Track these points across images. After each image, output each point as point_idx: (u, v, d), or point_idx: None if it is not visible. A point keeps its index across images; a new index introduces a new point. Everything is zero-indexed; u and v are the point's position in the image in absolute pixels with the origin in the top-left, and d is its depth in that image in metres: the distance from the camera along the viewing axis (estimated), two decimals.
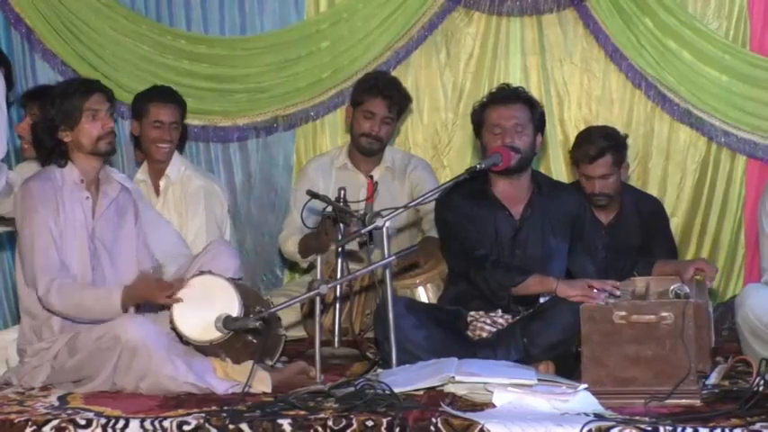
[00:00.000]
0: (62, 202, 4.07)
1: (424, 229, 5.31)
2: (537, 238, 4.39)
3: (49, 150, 4.12)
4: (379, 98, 5.14)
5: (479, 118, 4.41)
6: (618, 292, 3.96)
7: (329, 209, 4.59)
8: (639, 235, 5.07)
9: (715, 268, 4.46)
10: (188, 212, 5.12)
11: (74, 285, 4.00)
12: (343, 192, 4.60)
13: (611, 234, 4.91)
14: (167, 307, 4.04)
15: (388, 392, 3.58)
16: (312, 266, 5.35)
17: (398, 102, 5.20)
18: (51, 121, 4.08)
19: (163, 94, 5.19)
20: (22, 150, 4.91)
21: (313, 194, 4.55)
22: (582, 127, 5.58)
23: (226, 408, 3.56)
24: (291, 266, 5.83)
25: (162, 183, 5.18)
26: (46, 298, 3.96)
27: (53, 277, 3.95)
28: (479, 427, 3.30)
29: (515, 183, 4.41)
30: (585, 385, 3.61)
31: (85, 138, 4.07)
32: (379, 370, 4.19)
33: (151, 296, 4.00)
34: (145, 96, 5.20)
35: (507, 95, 4.38)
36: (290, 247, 5.23)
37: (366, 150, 5.22)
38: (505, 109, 4.34)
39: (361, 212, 4.47)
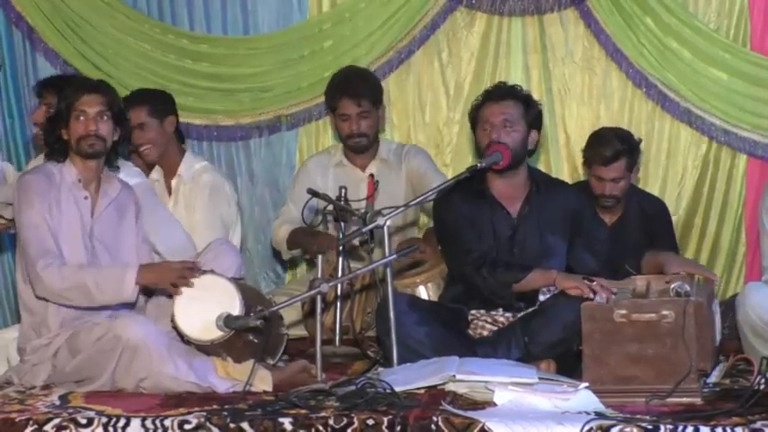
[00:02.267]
0: (58, 200, 4.06)
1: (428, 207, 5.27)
2: (534, 236, 4.39)
3: (51, 146, 4.13)
4: (345, 98, 5.09)
5: (474, 116, 4.42)
6: (614, 290, 3.94)
7: (330, 207, 4.59)
8: (642, 236, 5.06)
9: (709, 273, 4.41)
10: (195, 208, 5.06)
11: (77, 266, 3.98)
12: (344, 190, 4.59)
13: (614, 235, 4.87)
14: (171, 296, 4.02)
15: (388, 391, 3.58)
16: (296, 262, 5.37)
17: (366, 93, 5.12)
18: (55, 116, 4.09)
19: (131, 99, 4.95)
20: (35, 139, 4.84)
21: (314, 193, 4.54)
22: (583, 126, 5.60)
23: (227, 406, 3.56)
24: (292, 266, 5.83)
25: (174, 182, 5.10)
26: (44, 275, 3.91)
27: (50, 261, 3.93)
28: (480, 425, 3.31)
29: (512, 181, 4.40)
30: (586, 384, 3.62)
31: (72, 137, 4.07)
32: (380, 369, 4.20)
33: (169, 277, 3.98)
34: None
35: (499, 92, 4.38)
36: (281, 234, 5.19)
37: (357, 149, 5.20)
38: (496, 106, 4.34)
39: (362, 211, 4.47)
